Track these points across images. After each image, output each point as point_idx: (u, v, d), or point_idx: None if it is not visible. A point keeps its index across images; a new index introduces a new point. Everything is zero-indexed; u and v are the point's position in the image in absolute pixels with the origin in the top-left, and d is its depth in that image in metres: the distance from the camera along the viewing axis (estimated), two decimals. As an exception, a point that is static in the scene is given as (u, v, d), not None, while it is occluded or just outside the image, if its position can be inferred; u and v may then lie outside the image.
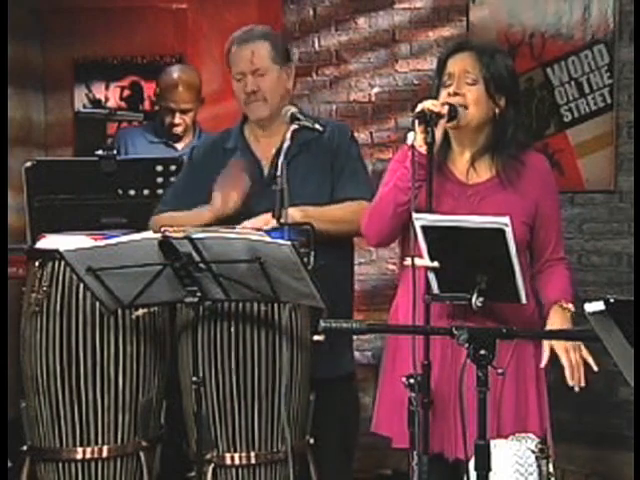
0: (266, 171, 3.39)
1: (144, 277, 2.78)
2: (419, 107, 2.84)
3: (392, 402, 2.97)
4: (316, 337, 2.73)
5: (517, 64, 4.48)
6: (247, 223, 3.17)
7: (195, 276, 2.78)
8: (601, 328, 1.80)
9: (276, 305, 2.98)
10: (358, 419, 3.60)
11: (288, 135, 3.11)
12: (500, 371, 2.46)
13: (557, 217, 3.08)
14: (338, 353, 3.38)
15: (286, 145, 3.08)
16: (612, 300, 1.76)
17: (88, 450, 3.04)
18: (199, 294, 2.81)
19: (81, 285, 2.92)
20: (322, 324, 2.44)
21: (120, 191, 3.68)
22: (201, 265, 2.75)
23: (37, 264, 3.09)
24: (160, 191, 3.67)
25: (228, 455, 3.00)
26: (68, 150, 5.46)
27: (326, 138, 3.39)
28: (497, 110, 2.95)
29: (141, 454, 3.09)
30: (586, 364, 2.85)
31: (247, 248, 2.69)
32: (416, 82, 5.03)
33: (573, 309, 2.91)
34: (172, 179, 3.68)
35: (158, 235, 2.73)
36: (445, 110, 2.86)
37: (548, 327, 2.90)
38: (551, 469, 2.79)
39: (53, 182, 3.64)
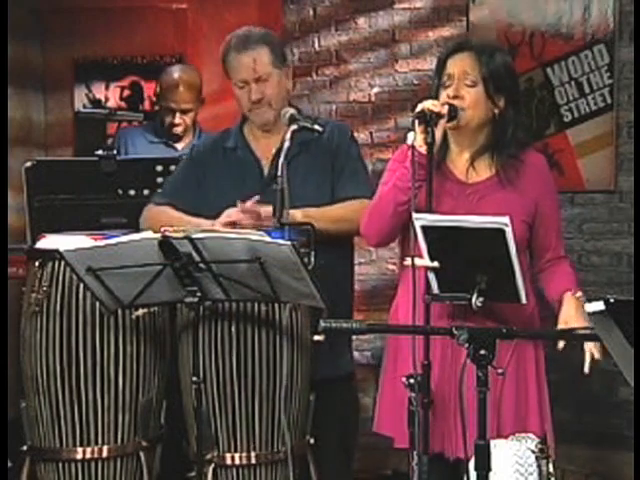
0: (266, 171, 3.39)
1: (144, 277, 2.78)
2: (419, 107, 2.84)
3: (393, 402, 2.97)
4: (316, 337, 2.73)
5: (517, 64, 4.49)
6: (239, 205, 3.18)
7: (195, 276, 2.78)
8: (601, 328, 1.81)
9: (276, 305, 2.98)
10: (358, 419, 3.60)
11: (288, 136, 3.11)
12: (500, 371, 2.46)
13: (557, 216, 3.08)
14: (338, 353, 3.38)
15: (286, 145, 3.08)
16: (612, 300, 1.76)
17: (88, 450, 3.04)
18: (199, 294, 2.81)
19: (81, 285, 2.92)
20: (322, 324, 2.44)
21: (120, 191, 3.69)
22: (201, 265, 2.75)
23: (37, 264, 3.09)
24: (160, 191, 3.67)
25: (228, 455, 3.00)
26: (68, 150, 5.46)
27: (326, 138, 3.39)
28: (496, 110, 2.95)
29: (141, 454, 3.09)
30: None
31: (247, 248, 2.70)
32: (416, 82, 5.03)
33: (584, 298, 2.90)
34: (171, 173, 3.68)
35: (158, 235, 2.73)
36: (445, 110, 2.86)
37: (563, 314, 2.88)
38: (551, 469, 2.79)
39: (53, 182, 3.64)
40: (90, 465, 3.05)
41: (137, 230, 3.04)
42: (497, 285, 2.77)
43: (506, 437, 2.82)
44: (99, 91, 5.50)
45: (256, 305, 2.98)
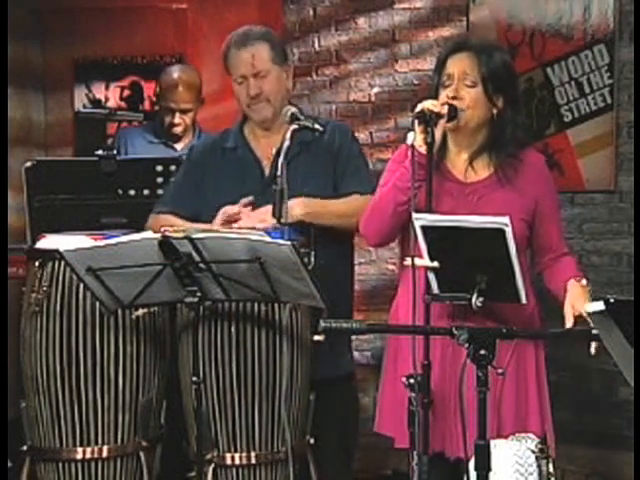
0: (267, 171, 3.39)
1: (144, 277, 2.78)
2: (419, 107, 2.84)
3: (394, 402, 2.97)
4: (316, 337, 2.73)
5: (517, 64, 4.49)
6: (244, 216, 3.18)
7: (195, 276, 2.78)
8: (601, 328, 1.81)
9: (276, 305, 2.98)
10: (358, 419, 3.60)
11: (288, 135, 3.11)
12: (500, 371, 2.46)
13: (557, 214, 3.08)
14: (338, 353, 3.38)
15: (286, 145, 3.08)
16: (612, 300, 1.76)
17: (88, 450, 3.04)
18: (199, 294, 2.81)
19: (81, 285, 2.92)
20: (322, 324, 2.44)
21: (120, 191, 3.68)
22: (201, 265, 2.75)
23: (37, 264, 3.09)
24: (160, 191, 3.67)
25: (228, 455, 3.00)
26: (68, 150, 5.46)
27: (327, 138, 3.39)
28: (495, 110, 2.95)
29: (141, 454, 3.09)
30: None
31: (247, 248, 2.70)
32: (416, 82, 5.03)
33: (588, 286, 2.90)
34: (172, 179, 3.68)
35: (158, 235, 2.73)
36: (445, 110, 2.86)
37: (569, 296, 2.85)
38: (551, 469, 2.79)
39: (53, 182, 3.64)
40: (90, 465, 3.05)
41: (137, 230, 3.04)
42: (497, 285, 2.77)
43: (506, 437, 2.82)
44: (99, 91, 5.50)
45: (256, 305, 2.98)
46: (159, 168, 3.71)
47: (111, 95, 5.50)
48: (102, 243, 2.83)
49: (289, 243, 2.69)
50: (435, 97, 2.93)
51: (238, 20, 4.55)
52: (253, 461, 3.00)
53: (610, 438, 4.42)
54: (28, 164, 3.65)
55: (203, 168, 3.45)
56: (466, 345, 2.37)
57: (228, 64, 3.40)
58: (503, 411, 2.90)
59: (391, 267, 5.00)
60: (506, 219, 2.69)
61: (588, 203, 4.65)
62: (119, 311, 2.99)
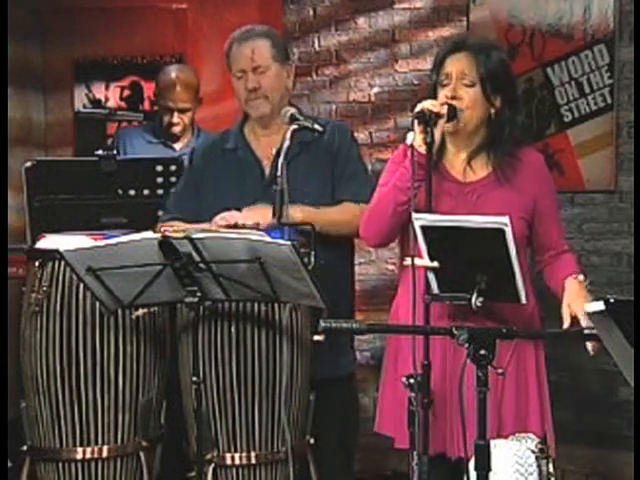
0: (267, 171, 3.39)
1: (144, 277, 2.78)
2: (418, 107, 2.84)
3: (394, 402, 2.97)
4: (316, 337, 2.73)
5: (517, 64, 4.51)
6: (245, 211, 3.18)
7: (195, 276, 2.78)
8: (601, 328, 1.81)
9: (276, 305, 2.98)
10: (358, 419, 3.60)
11: (288, 135, 3.11)
12: (500, 371, 2.47)
13: (556, 211, 3.09)
14: (340, 353, 3.38)
15: (286, 145, 3.08)
16: (612, 300, 1.76)
17: (88, 450, 3.05)
18: (199, 294, 2.81)
19: (81, 285, 2.92)
20: (322, 324, 2.44)
21: (120, 191, 3.68)
22: (201, 265, 2.75)
23: (37, 264, 3.09)
24: (160, 191, 3.67)
25: (228, 455, 3.00)
26: (68, 150, 5.45)
27: (326, 138, 3.39)
28: (493, 110, 2.96)
29: (141, 454, 3.10)
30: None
31: (247, 248, 2.70)
32: (416, 82, 5.03)
33: (587, 281, 2.90)
34: (172, 179, 3.68)
35: (158, 235, 2.73)
36: (444, 110, 2.86)
37: (567, 295, 2.85)
38: (551, 469, 2.79)
39: (53, 182, 3.64)
40: (90, 465, 3.05)
41: (137, 230, 3.04)
42: (497, 285, 2.77)
43: (506, 437, 2.82)
44: (99, 91, 5.50)
45: (256, 305, 2.98)
46: (159, 168, 3.71)
47: (111, 95, 5.50)
48: (102, 243, 2.83)
49: (289, 243, 2.69)
50: (433, 97, 2.93)
51: (238, 20, 4.55)
52: (253, 461, 3.00)
53: (610, 438, 4.42)
54: (28, 164, 3.65)
55: (204, 170, 3.45)
56: (466, 345, 2.37)
57: (230, 60, 3.41)
58: (503, 411, 2.90)
59: (391, 267, 5.00)
60: (506, 219, 2.69)
61: (588, 203, 4.64)
62: (119, 311, 2.99)
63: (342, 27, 5.22)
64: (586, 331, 2.55)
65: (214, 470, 3.00)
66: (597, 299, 1.78)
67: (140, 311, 3.02)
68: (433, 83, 2.99)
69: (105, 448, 3.05)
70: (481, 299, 2.74)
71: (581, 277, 2.92)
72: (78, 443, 3.04)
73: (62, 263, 3.00)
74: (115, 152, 3.88)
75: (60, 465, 3.07)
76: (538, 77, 4.72)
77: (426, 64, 4.95)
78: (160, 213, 3.52)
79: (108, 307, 2.91)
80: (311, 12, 5.28)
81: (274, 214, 3.04)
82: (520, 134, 3.03)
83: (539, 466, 2.74)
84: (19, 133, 5.26)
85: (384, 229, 2.99)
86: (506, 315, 2.87)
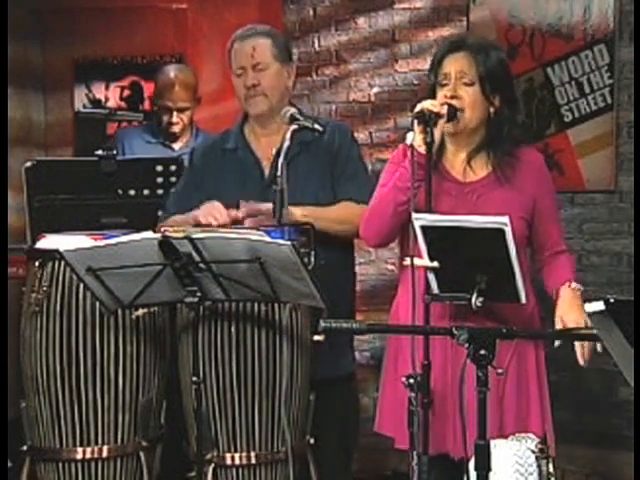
0: (267, 172, 3.38)
1: (144, 277, 2.78)
2: (418, 107, 2.84)
3: (394, 402, 2.97)
4: (316, 337, 2.73)
5: (517, 64, 4.51)
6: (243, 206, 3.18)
7: (195, 276, 2.78)
8: (601, 328, 1.80)
9: (276, 305, 2.98)
10: (358, 419, 3.60)
11: (288, 135, 3.11)
12: (500, 371, 2.46)
13: (555, 211, 3.09)
14: (339, 353, 3.38)
15: (286, 145, 3.08)
16: (612, 300, 1.76)
17: (88, 450, 3.05)
18: (199, 294, 2.81)
19: (81, 285, 2.92)
20: (322, 324, 2.44)
21: (120, 191, 3.68)
22: (201, 265, 2.75)
23: (37, 264, 3.09)
24: (160, 191, 3.67)
25: (228, 455, 3.00)
26: (68, 150, 5.45)
27: (326, 138, 3.39)
28: (492, 109, 2.96)
29: (141, 454, 3.09)
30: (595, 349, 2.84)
31: (247, 248, 2.69)
32: (416, 82, 5.03)
33: (581, 288, 2.91)
34: (172, 179, 3.68)
35: (158, 235, 2.73)
36: (444, 110, 2.86)
37: (558, 308, 2.89)
38: (551, 469, 2.79)
39: (53, 182, 3.64)
40: (90, 465, 3.05)
41: (137, 230, 3.04)
42: (497, 285, 2.77)
43: (506, 437, 2.82)
44: (99, 91, 5.50)
45: (256, 305, 2.98)
46: (159, 168, 3.71)
47: (111, 95, 5.50)
48: (102, 243, 2.82)
49: (289, 243, 2.69)
50: (432, 97, 2.93)
51: (238, 20, 4.55)
52: (253, 461, 3.00)
53: (610, 438, 4.42)
54: (28, 164, 3.65)
55: (204, 170, 3.45)
56: (466, 345, 2.37)
57: (231, 58, 3.41)
58: (504, 411, 2.90)
59: (391, 267, 5.00)
60: (506, 219, 2.69)
61: (588, 203, 4.64)
62: (119, 311, 2.99)
63: (342, 27, 5.22)
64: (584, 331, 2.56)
65: (214, 470, 2.99)
66: (597, 299, 1.78)
67: (140, 311, 3.02)
68: (432, 83, 2.99)
69: (105, 448, 3.05)
70: (481, 299, 2.74)
71: (574, 285, 2.93)
72: (78, 443, 3.04)
73: (62, 263, 3.00)
74: (115, 152, 3.87)
75: (60, 465, 3.07)
76: (538, 77, 4.72)
77: (426, 64, 4.91)
78: (160, 213, 3.52)
79: (108, 307, 2.91)
80: (311, 12, 5.28)
81: (274, 214, 3.04)
82: (520, 134, 3.03)
83: (539, 466, 2.74)
84: (19, 133, 5.26)
85: (384, 229, 2.99)
86: (506, 315, 2.87)
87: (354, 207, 3.28)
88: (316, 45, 5.27)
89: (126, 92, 5.49)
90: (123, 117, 5.47)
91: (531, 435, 2.83)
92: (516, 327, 2.58)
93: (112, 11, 5.38)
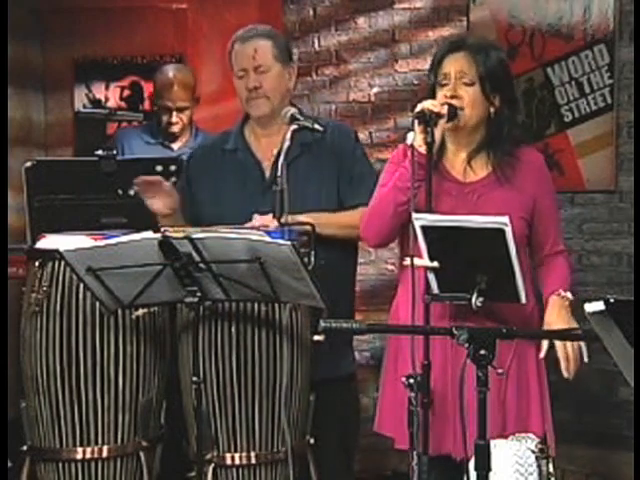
0: (267, 173, 3.38)
1: (144, 277, 2.78)
2: (419, 107, 2.85)
3: (394, 402, 2.97)
4: (316, 337, 2.73)
5: (517, 64, 4.51)
6: (249, 224, 3.17)
7: (195, 276, 2.78)
8: (601, 328, 1.80)
9: (276, 305, 2.98)
10: (359, 419, 3.60)
11: (288, 135, 3.11)
12: (500, 371, 2.46)
13: (555, 211, 3.09)
14: (339, 354, 3.37)
15: (286, 145, 3.08)
16: (612, 300, 1.76)
17: (88, 450, 3.04)
18: (199, 294, 2.81)
19: (81, 285, 2.92)
20: (322, 324, 2.44)
21: (120, 191, 3.68)
22: (201, 265, 2.75)
23: (37, 264, 3.09)
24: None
25: (228, 455, 3.00)
26: (68, 150, 5.45)
27: (328, 139, 3.38)
28: (492, 109, 2.96)
29: (141, 454, 3.09)
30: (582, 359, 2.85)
31: (247, 248, 2.69)
32: (416, 82, 5.03)
33: (571, 297, 2.92)
34: (172, 179, 3.68)
35: (158, 235, 2.73)
36: (445, 110, 2.86)
37: (546, 318, 2.92)
38: (551, 469, 2.79)
39: (53, 182, 3.64)
40: (90, 465, 3.05)
41: (137, 230, 3.04)
42: (497, 285, 2.77)
43: (507, 437, 2.82)
44: (99, 91, 5.50)
45: (256, 305, 2.98)
46: (159, 168, 3.70)
47: (111, 95, 5.49)
48: (102, 243, 2.82)
49: (289, 243, 2.69)
50: (432, 97, 2.93)
51: (238, 20, 4.55)
52: (253, 461, 3.00)
53: (610, 438, 4.42)
54: (28, 164, 3.64)
55: (204, 171, 3.45)
56: (466, 345, 2.37)
57: (232, 59, 3.40)
58: (505, 411, 2.90)
59: (390, 267, 5.00)
60: (506, 219, 2.69)
61: (588, 203, 4.64)
62: (119, 311, 2.99)
63: (342, 27, 5.22)
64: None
65: (214, 470, 2.99)
66: (597, 299, 1.78)
67: (140, 311, 3.02)
68: (432, 83, 2.99)
69: (105, 448, 3.05)
70: (481, 299, 2.74)
71: (563, 293, 2.93)
72: (78, 443, 3.04)
73: (62, 263, 3.00)
74: (115, 152, 3.87)
75: (60, 465, 3.07)
76: (538, 77, 4.72)
77: (426, 64, 4.91)
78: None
79: (108, 307, 2.91)
80: (311, 12, 5.28)
81: (274, 214, 3.03)
82: (520, 134, 3.03)
83: (539, 466, 2.74)
84: (19, 133, 5.26)
85: (384, 229, 2.99)
86: (506, 315, 2.87)
87: (361, 212, 3.24)
88: (316, 45, 5.27)
89: (126, 92, 5.49)
90: (123, 117, 5.47)
91: (531, 435, 2.83)
92: (516, 327, 2.58)
93: (112, 11, 5.38)
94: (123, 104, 5.49)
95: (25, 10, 5.28)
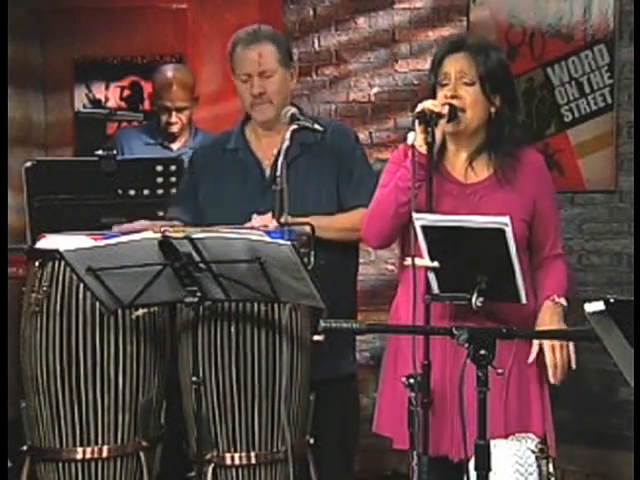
0: (267, 172, 3.38)
1: (144, 277, 2.78)
2: (419, 107, 2.84)
3: (393, 403, 2.97)
4: (316, 337, 2.73)
5: (517, 64, 4.51)
6: (248, 224, 3.17)
7: (195, 276, 2.78)
8: (601, 328, 1.80)
9: (276, 305, 2.98)
10: (358, 419, 3.60)
11: (287, 135, 3.11)
12: (500, 371, 2.46)
13: (555, 213, 3.09)
14: (340, 354, 3.38)
15: (285, 145, 3.08)
16: (612, 300, 1.76)
17: (88, 450, 3.04)
18: (199, 294, 2.81)
19: (81, 285, 2.92)
20: (322, 324, 2.44)
21: (120, 191, 3.68)
22: (201, 265, 2.75)
23: (37, 264, 3.09)
24: (160, 191, 3.67)
25: (228, 455, 3.00)
26: (68, 150, 5.45)
27: (328, 140, 3.38)
28: (493, 109, 2.96)
29: (141, 454, 3.09)
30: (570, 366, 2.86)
31: (247, 248, 2.69)
32: (416, 82, 5.03)
33: (565, 303, 2.92)
34: (172, 179, 3.68)
35: (158, 235, 2.73)
36: (445, 110, 2.86)
37: (538, 324, 2.91)
38: (551, 469, 2.79)
39: (53, 182, 3.64)
40: (90, 465, 3.05)
41: (137, 230, 3.04)
42: (497, 285, 2.77)
43: (507, 437, 2.82)
44: (99, 91, 5.50)
45: (256, 305, 2.98)
46: (159, 168, 3.71)
47: (111, 95, 5.50)
48: (102, 243, 2.82)
49: (289, 243, 2.69)
50: (432, 97, 2.93)
51: (238, 20, 4.55)
52: (253, 461, 3.00)
53: (610, 438, 4.42)
54: (28, 164, 3.65)
55: (204, 170, 3.45)
56: (466, 345, 2.37)
57: (234, 61, 3.39)
58: (507, 411, 2.90)
59: (391, 267, 5.00)
60: (506, 219, 2.69)
61: (588, 203, 4.64)
62: (119, 311, 2.99)
63: (342, 27, 5.22)
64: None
65: (214, 470, 2.99)
66: (597, 299, 1.78)
67: (140, 311, 3.02)
68: (432, 83, 2.99)
69: (105, 448, 3.05)
70: (481, 299, 2.74)
71: (557, 299, 2.93)
72: (78, 443, 3.04)
73: (62, 263, 3.00)
74: (115, 152, 3.87)
75: (60, 465, 3.06)
76: (538, 77, 4.72)
77: (426, 64, 4.93)
78: (161, 214, 3.52)
79: (108, 307, 2.91)
80: (311, 12, 5.28)
81: (274, 214, 3.03)
82: (520, 134, 3.03)
83: (539, 466, 2.74)
84: (19, 133, 5.26)
85: (385, 230, 2.99)
86: (506, 315, 2.87)
87: (362, 212, 3.24)
88: (316, 45, 5.27)
89: (126, 92, 5.49)
90: (123, 117, 5.47)
91: (531, 435, 2.83)
92: (516, 327, 2.58)
93: (112, 11, 5.38)
94: (123, 104, 5.50)
95: (25, 10, 5.28)
